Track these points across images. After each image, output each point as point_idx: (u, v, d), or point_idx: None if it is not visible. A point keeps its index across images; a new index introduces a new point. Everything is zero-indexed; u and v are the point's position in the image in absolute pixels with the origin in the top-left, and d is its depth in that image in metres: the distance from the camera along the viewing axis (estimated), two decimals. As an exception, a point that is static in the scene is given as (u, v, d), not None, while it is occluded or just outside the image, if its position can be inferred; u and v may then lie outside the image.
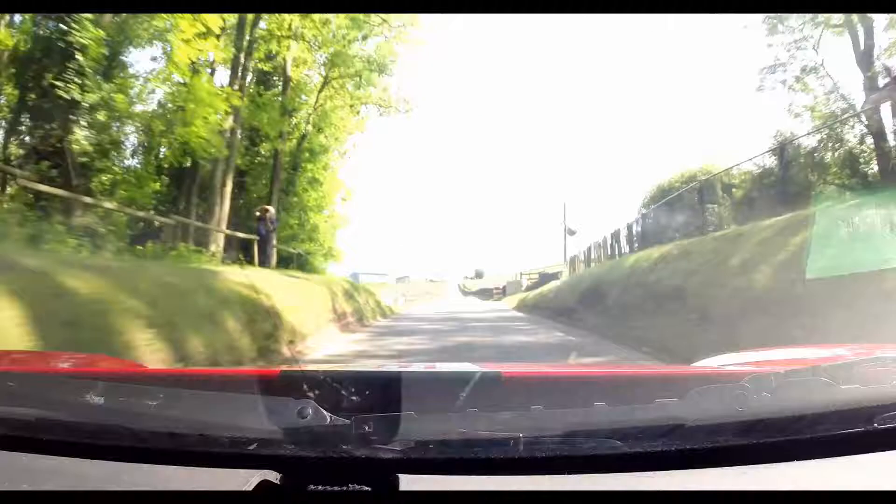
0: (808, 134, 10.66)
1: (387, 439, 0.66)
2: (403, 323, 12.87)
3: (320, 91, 17.44)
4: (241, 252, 11.73)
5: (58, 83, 8.12)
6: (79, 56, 8.25)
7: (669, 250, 9.22)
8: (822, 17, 11.06)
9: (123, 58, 10.17)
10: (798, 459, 0.67)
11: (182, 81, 11.35)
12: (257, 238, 11.78)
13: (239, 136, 13.36)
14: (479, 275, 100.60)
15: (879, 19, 10.35)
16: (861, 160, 9.42)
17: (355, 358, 6.22)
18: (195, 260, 8.89)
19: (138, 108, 10.89)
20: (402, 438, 0.66)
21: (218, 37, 11.60)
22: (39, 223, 6.18)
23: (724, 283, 6.21)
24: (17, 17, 9.11)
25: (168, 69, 11.31)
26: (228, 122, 11.97)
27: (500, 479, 0.66)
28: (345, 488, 0.66)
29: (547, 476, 0.66)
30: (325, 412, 0.67)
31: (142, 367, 1.41)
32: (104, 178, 9.82)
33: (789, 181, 9.06)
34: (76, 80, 8.23)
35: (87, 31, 8.22)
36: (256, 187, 16.84)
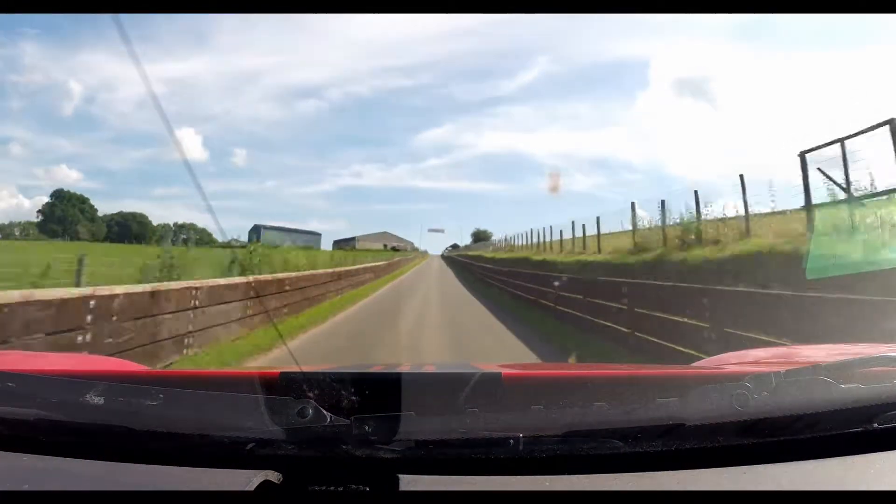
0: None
1: (387, 439, 0.66)
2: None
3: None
4: None
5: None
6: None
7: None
8: None
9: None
10: (798, 459, 0.67)
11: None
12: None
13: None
14: (481, 237, 63.78)
15: None
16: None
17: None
18: None
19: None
20: (401, 438, 0.66)
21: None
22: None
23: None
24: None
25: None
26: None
27: (500, 479, 0.66)
28: (345, 488, 0.66)
29: (547, 476, 0.66)
30: (325, 412, 0.67)
31: (142, 367, 1.40)
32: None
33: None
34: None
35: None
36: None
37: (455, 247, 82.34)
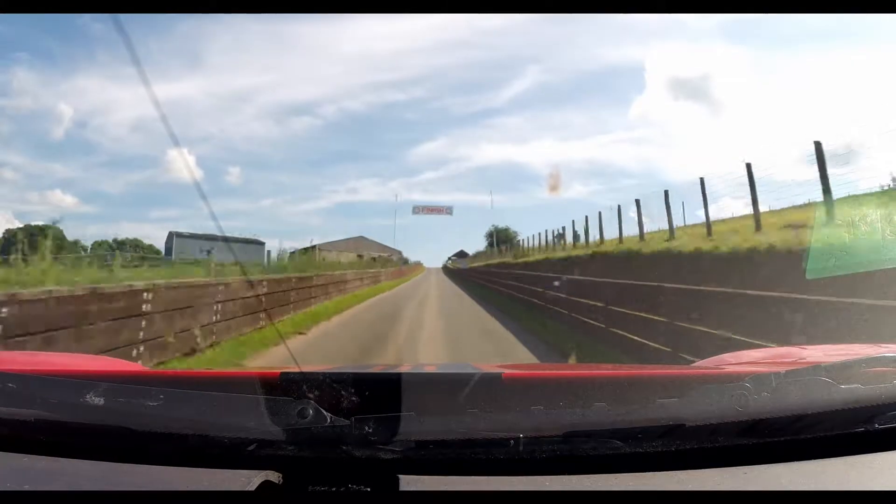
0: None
1: (387, 440, 0.66)
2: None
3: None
4: None
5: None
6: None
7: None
8: None
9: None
10: (798, 459, 0.67)
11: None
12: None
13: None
14: (502, 239, 47.16)
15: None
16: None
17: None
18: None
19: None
20: (401, 439, 0.66)
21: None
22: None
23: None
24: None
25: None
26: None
27: (500, 479, 0.66)
28: (345, 489, 0.66)
29: (547, 476, 0.66)
30: (325, 413, 0.67)
31: (142, 367, 1.41)
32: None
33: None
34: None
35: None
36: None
37: (462, 255, 60.52)
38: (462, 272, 38.29)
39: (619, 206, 14.10)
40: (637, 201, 13.16)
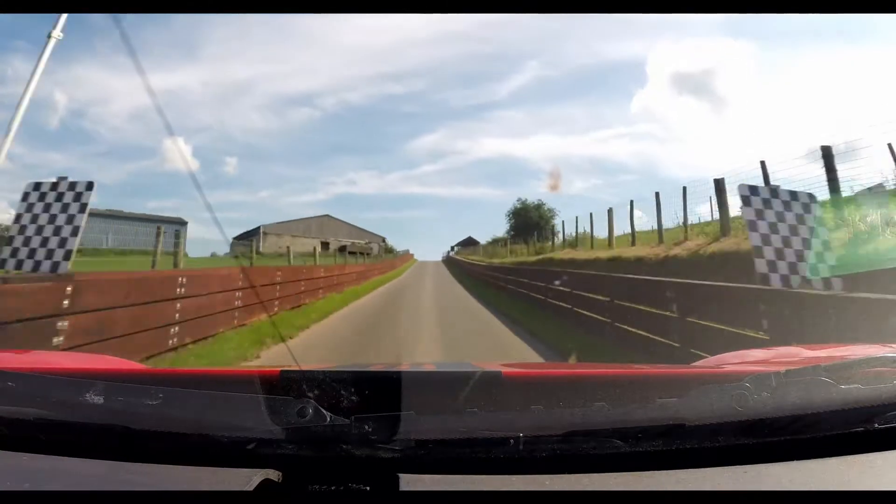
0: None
1: (387, 439, 0.66)
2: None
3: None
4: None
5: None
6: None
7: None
8: None
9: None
10: (798, 459, 0.68)
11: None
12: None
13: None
14: (531, 219, 36.94)
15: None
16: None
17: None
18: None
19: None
20: (401, 438, 0.66)
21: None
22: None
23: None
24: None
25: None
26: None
27: (500, 479, 0.66)
28: (345, 488, 0.66)
29: (547, 476, 0.66)
30: (325, 412, 0.67)
31: (142, 366, 1.41)
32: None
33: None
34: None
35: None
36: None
37: (470, 243, 52.02)
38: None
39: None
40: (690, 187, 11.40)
